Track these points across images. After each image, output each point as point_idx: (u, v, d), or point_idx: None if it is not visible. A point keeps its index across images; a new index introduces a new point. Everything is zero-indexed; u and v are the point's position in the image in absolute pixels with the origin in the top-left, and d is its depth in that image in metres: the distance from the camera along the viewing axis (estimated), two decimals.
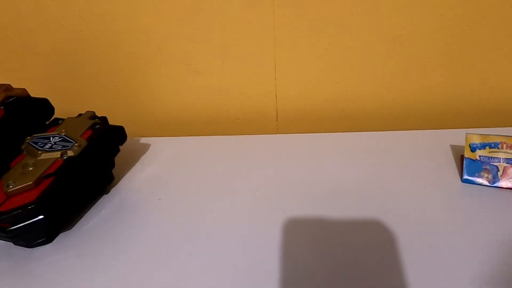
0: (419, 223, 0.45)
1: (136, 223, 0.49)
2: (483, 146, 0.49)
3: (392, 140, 0.59)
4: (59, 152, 0.48)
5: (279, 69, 0.67)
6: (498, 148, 0.49)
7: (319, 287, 0.39)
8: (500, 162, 0.48)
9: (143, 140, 0.65)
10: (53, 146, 0.49)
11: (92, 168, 0.50)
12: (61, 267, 0.43)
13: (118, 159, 0.55)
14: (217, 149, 0.61)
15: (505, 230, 0.43)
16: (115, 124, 0.55)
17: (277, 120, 0.73)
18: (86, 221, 0.49)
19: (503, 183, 0.48)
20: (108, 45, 0.67)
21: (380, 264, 0.40)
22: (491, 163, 0.49)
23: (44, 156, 0.48)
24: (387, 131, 0.62)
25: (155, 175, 0.57)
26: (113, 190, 0.55)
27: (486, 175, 0.49)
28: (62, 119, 0.55)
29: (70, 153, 0.48)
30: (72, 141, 0.49)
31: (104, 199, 0.53)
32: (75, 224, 0.49)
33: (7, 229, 0.43)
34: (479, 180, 0.49)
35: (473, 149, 0.50)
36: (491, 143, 0.49)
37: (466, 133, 0.51)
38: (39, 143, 0.50)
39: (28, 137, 0.51)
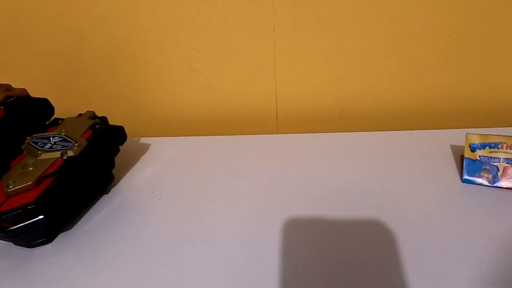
0: (419, 223, 0.45)
1: (136, 223, 0.49)
2: (483, 146, 0.49)
3: (392, 140, 0.59)
4: (59, 152, 0.48)
5: (279, 69, 0.67)
6: (498, 148, 0.49)
7: (319, 287, 0.39)
8: (500, 162, 0.48)
9: (143, 140, 0.65)
10: (53, 146, 0.49)
11: (92, 168, 0.50)
12: (61, 267, 0.43)
13: (118, 159, 0.55)
14: (217, 149, 0.61)
15: (505, 230, 0.43)
16: (115, 124, 0.55)
17: (277, 120, 0.73)
18: (86, 221, 0.49)
19: (503, 183, 0.48)
20: (108, 45, 0.67)
21: (380, 264, 0.40)
22: (491, 163, 0.49)
23: (44, 156, 0.48)
24: (387, 131, 0.62)
25: (155, 175, 0.57)
26: (113, 190, 0.55)
27: (486, 175, 0.49)
28: (62, 119, 0.55)
29: (70, 153, 0.48)
30: (72, 141, 0.49)
31: (104, 199, 0.53)
32: (75, 224, 0.49)
33: (7, 229, 0.43)
34: (479, 180, 0.49)
35: (473, 149, 0.50)
36: (491, 143, 0.49)
37: (466, 133, 0.51)
38: (39, 143, 0.50)
39: (28, 137, 0.51)
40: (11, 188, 0.44)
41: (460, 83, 0.66)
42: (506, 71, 0.64)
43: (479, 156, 0.49)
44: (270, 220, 0.47)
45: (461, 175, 0.50)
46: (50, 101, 0.56)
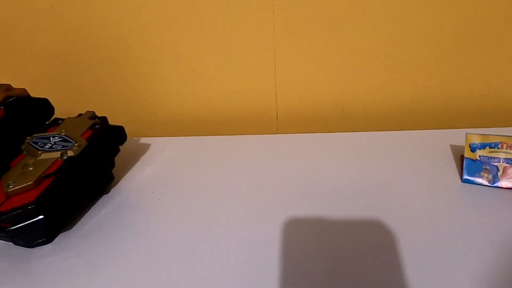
0: (419, 223, 0.45)
1: (136, 223, 0.49)
2: (483, 146, 0.49)
3: (392, 140, 0.59)
4: (59, 152, 0.48)
5: (279, 69, 0.67)
6: (498, 148, 0.49)
7: (319, 287, 0.39)
8: (500, 162, 0.48)
9: (143, 140, 0.65)
10: (53, 146, 0.49)
11: (92, 168, 0.50)
12: (61, 267, 0.43)
13: (118, 159, 0.55)
14: (217, 149, 0.61)
15: (505, 230, 0.43)
16: (115, 124, 0.55)
17: (277, 120, 0.73)
18: (86, 221, 0.49)
19: (503, 183, 0.48)
20: (108, 45, 0.67)
21: (380, 264, 0.40)
22: (491, 163, 0.49)
23: (44, 156, 0.48)
24: (387, 131, 0.62)
25: (155, 175, 0.57)
26: (113, 190, 0.55)
27: (486, 175, 0.49)
28: (62, 119, 0.55)
29: (70, 153, 0.48)
30: (72, 141, 0.49)
31: (104, 199, 0.53)
32: (75, 224, 0.49)
33: (7, 229, 0.43)
34: (479, 180, 0.49)
35: (473, 149, 0.50)
36: (491, 143, 0.49)
37: (466, 133, 0.51)
38: (39, 143, 0.50)
39: (28, 137, 0.51)
40: (11, 188, 0.44)
41: (460, 83, 0.66)
42: (506, 71, 0.65)
43: (479, 156, 0.49)
44: (270, 220, 0.47)
45: (461, 175, 0.50)
46: (50, 101, 0.56)
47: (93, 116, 0.55)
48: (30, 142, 0.50)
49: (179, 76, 0.70)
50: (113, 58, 0.69)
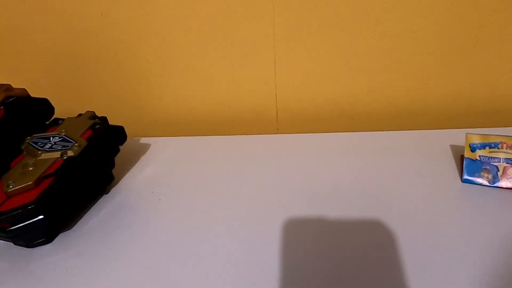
0: (419, 223, 0.45)
1: (136, 223, 0.49)
2: (483, 146, 0.49)
3: (392, 140, 0.59)
4: (59, 152, 0.48)
5: (279, 69, 0.67)
6: (498, 148, 0.49)
7: (319, 287, 0.39)
8: (500, 162, 0.48)
9: (143, 140, 0.65)
10: (53, 146, 0.49)
11: (92, 168, 0.50)
12: (61, 267, 0.43)
13: (118, 159, 0.55)
14: (217, 149, 0.61)
15: (505, 230, 0.43)
16: (115, 124, 0.55)
17: (277, 120, 0.73)
18: (86, 221, 0.49)
19: (503, 183, 0.48)
20: (108, 45, 0.67)
21: (380, 264, 0.40)
22: (491, 163, 0.49)
23: (44, 156, 0.48)
24: (387, 131, 0.62)
25: (155, 175, 0.57)
26: (113, 190, 0.55)
27: (486, 175, 0.49)
28: (62, 119, 0.55)
29: (70, 153, 0.48)
30: (72, 141, 0.49)
31: (104, 199, 0.53)
32: (75, 224, 0.49)
33: (7, 229, 0.43)
34: (479, 180, 0.49)
35: (473, 149, 0.50)
36: (491, 143, 0.49)
37: (466, 133, 0.51)
38: (39, 143, 0.50)
39: (28, 137, 0.51)
40: (11, 188, 0.44)
41: (460, 83, 0.66)
42: (506, 71, 0.65)
43: (479, 156, 0.49)
44: (270, 220, 0.47)
45: (461, 175, 0.50)
46: (50, 101, 0.56)
47: (93, 116, 0.55)
48: (30, 142, 0.50)
49: (179, 76, 0.70)
50: (113, 58, 0.69)
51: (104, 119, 0.54)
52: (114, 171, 0.56)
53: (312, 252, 0.42)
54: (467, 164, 0.50)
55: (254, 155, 0.59)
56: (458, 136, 0.54)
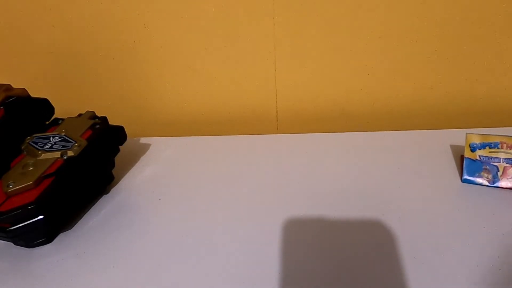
0: (419, 223, 0.45)
1: (136, 223, 0.49)
2: (483, 146, 0.49)
3: (392, 140, 0.59)
4: (59, 152, 0.48)
5: (279, 69, 0.67)
6: (498, 148, 0.49)
7: (319, 287, 0.39)
8: (500, 162, 0.48)
9: (143, 140, 0.65)
10: (53, 146, 0.49)
11: (92, 168, 0.50)
12: (61, 267, 0.43)
13: (118, 159, 0.55)
14: (217, 149, 0.61)
15: (505, 230, 0.43)
16: (115, 124, 0.55)
17: (277, 120, 0.73)
18: (86, 221, 0.49)
19: (503, 183, 0.48)
20: (108, 45, 0.67)
21: (380, 264, 0.40)
22: (491, 163, 0.49)
23: (44, 156, 0.48)
24: (387, 131, 0.62)
25: (155, 175, 0.57)
26: (113, 190, 0.55)
27: (486, 175, 0.49)
28: (62, 119, 0.55)
29: (70, 153, 0.48)
30: (72, 141, 0.49)
31: (104, 199, 0.53)
32: (75, 224, 0.49)
33: (7, 229, 0.43)
34: (479, 180, 0.49)
35: (473, 149, 0.50)
36: (491, 143, 0.49)
37: (466, 133, 0.51)
38: (39, 143, 0.50)
39: (28, 137, 0.51)
40: (11, 188, 0.44)
41: (460, 83, 0.66)
42: (506, 71, 0.64)
43: (479, 156, 0.49)
44: (270, 220, 0.47)
45: (461, 175, 0.50)
46: (50, 101, 0.56)
47: (93, 116, 0.55)
48: (30, 142, 0.50)
49: (179, 76, 0.70)
50: (113, 58, 0.69)
51: (104, 119, 0.54)
52: (114, 171, 0.56)
53: (312, 252, 0.42)
54: (467, 164, 0.50)
55: (254, 155, 0.59)
56: (458, 136, 0.54)
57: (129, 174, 0.58)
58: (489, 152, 0.49)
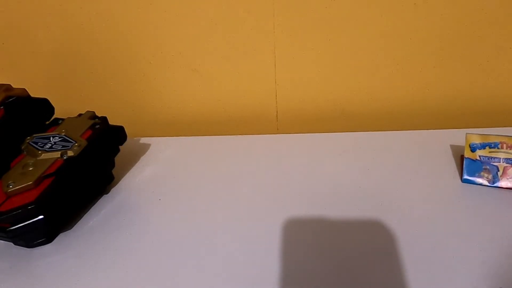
0: (419, 223, 0.45)
1: (136, 223, 0.49)
2: (483, 146, 0.49)
3: (392, 140, 0.59)
4: (59, 152, 0.48)
5: (279, 69, 0.67)
6: (498, 148, 0.49)
7: (319, 287, 0.39)
8: (500, 162, 0.48)
9: (143, 140, 0.65)
10: (53, 146, 0.49)
11: (92, 168, 0.50)
12: (61, 267, 0.43)
13: (118, 159, 0.55)
14: (217, 149, 0.61)
15: (505, 230, 0.43)
16: (115, 124, 0.55)
17: (277, 120, 0.73)
18: (86, 221, 0.49)
19: (503, 183, 0.48)
20: (108, 45, 0.67)
21: (380, 264, 0.40)
22: (491, 163, 0.49)
23: (44, 156, 0.48)
24: (387, 131, 0.62)
25: (155, 175, 0.57)
26: (113, 190, 0.55)
27: (486, 175, 0.49)
28: (62, 119, 0.55)
29: (70, 153, 0.48)
30: (72, 141, 0.49)
31: (104, 199, 0.53)
32: (75, 224, 0.49)
33: (7, 229, 0.43)
34: (479, 180, 0.49)
35: (473, 149, 0.50)
36: (491, 143, 0.49)
37: (466, 133, 0.51)
38: (39, 143, 0.50)
39: (28, 137, 0.51)
40: (11, 188, 0.44)
41: (460, 83, 0.66)
42: (506, 71, 0.64)
43: (479, 156, 0.49)
44: (270, 220, 0.47)
45: (461, 175, 0.50)
46: (50, 101, 0.56)
47: (93, 116, 0.55)
48: (30, 142, 0.50)
49: (179, 76, 0.70)
50: (113, 58, 0.69)
51: (104, 119, 0.54)
52: (114, 171, 0.56)
53: (312, 252, 0.42)
54: (467, 164, 0.50)
55: (254, 155, 0.59)
56: (458, 136, 0.54)
57: (129, 174, 0.58)
58: (489, 152, 0.49)
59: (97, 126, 0.52)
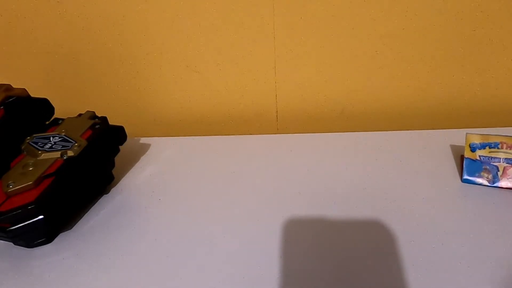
0: (419, 223, 0.45)
1: (136, 223, 0.49)
2: (483, 146, 0.49)
3: (392, 140, 0.59)
4: (59, 152, 0.48)
5: (279, 69, 0.67)
6: (498, 148, 0.49)
7: (319, 287, 0.39)
8: (500, 162, 0.48)
9: (143, 140, 0.65)
10: (53, 146, 0.49)
11: (92, 168, 0.50)
12: (61, 267, 0.43)
13: (118, 159, 0.55)
14: (217, 149, 0.61)
15: (505, 230, 0.43)
16: (115, 124, 0.55)
17: (277, 120, 0.73)
18: (86, 221, 0.49)
19: (503, 183, 0.48)
20: (108, 45, 0.67)
21: (380, 264, 0.40)
22: (491, 163, 0.49)
23: (44, 156, 0.48)
24: (387, 131, 0.62)
25: (155, 175, 0.57)
26: (113, 190, 0.55)
27: (486, 175, 0.49)
28: (62, 119, 0.55)
29: (70, 153, 0.48)
30: (72, 141, 0.49)
31: (104, 199, 0.53)
32: (75, 224, 0.49)
33: (7, 229, 0.43)
34: (479, 180, 0.49)
35: (473, 149, 0.50)
36: (491, 143, 0.49)
37: (466, 133, 0.51)
38: (39, 143, 0.50)
39: (28, 137, 0.51)
40: (11, 188, 0.44)
41: (460, 83, 0.66)
42: (506, 71, 0.64)
43: (479, 156, 0.49)
44: (270, 220, 0.47)
45: (461, 175, 0.50)
46: (50, 101, 0.56)
47: (93, 116, 0.55)
48: (30, 142, 0.50)
49: (179, 76, 0.70)
50: (113, 58, 0.69)
51: (104, 119, 0.54)
52: (114, 171, 0.56)
53: (312, 252, 0.42)
54: (467, 164, 0.50)
55: (254, 155, 0.59)
56: (458, 136, 0.54)
57: (129, 174, 0.58)
58: (489, 152, 0.49)
59: (97, 126, 0.52)
